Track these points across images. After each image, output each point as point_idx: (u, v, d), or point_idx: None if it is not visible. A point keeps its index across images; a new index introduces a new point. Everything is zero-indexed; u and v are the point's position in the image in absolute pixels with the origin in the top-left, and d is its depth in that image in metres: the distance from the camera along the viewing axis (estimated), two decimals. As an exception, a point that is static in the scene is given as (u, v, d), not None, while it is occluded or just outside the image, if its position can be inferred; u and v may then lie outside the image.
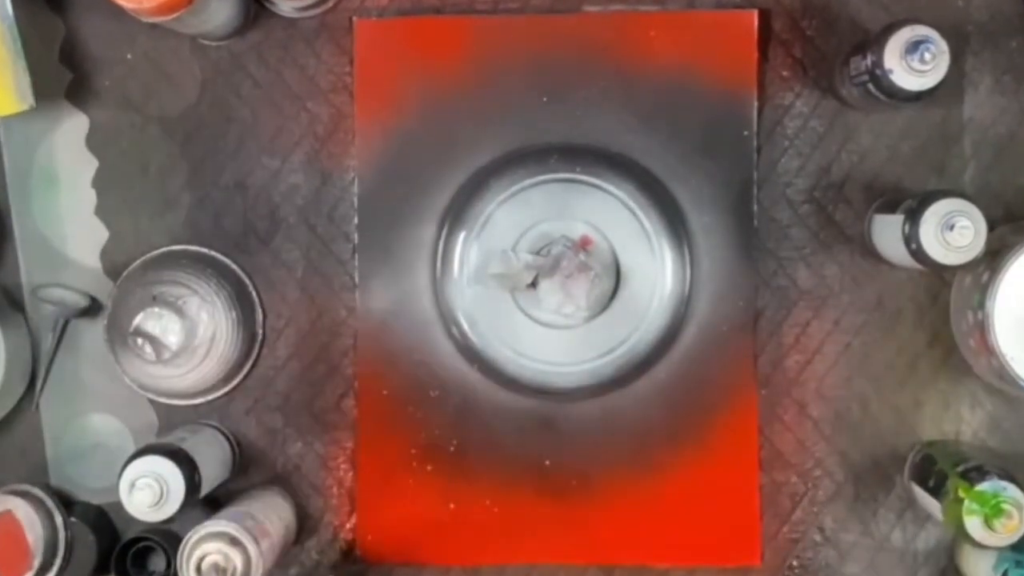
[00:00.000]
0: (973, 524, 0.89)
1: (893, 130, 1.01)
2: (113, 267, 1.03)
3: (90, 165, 1.03)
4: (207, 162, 1.03)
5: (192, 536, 0.91)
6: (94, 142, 1.03)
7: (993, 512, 0.89)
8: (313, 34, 1.03)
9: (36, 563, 0.98)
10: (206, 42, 1.03)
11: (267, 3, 1.02)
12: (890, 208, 0.96)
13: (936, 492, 0.94)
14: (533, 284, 0.98)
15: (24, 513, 0.98)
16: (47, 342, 1.02)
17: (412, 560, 1.03)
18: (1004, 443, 1.01)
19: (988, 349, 0.93)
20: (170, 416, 1.04)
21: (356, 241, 1.03)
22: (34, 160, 1.03)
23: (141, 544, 1.01)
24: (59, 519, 1.00)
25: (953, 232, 0.90)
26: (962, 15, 1.00)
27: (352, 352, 1.03)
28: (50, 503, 1.00)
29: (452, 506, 1.02)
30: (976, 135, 1.01)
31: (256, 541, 0.91)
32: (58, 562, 1.00)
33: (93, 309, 1.02)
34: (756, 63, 1.01)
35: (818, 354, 1.02)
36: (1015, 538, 0.89)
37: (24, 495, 1.00)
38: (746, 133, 1.01)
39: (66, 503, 1.02)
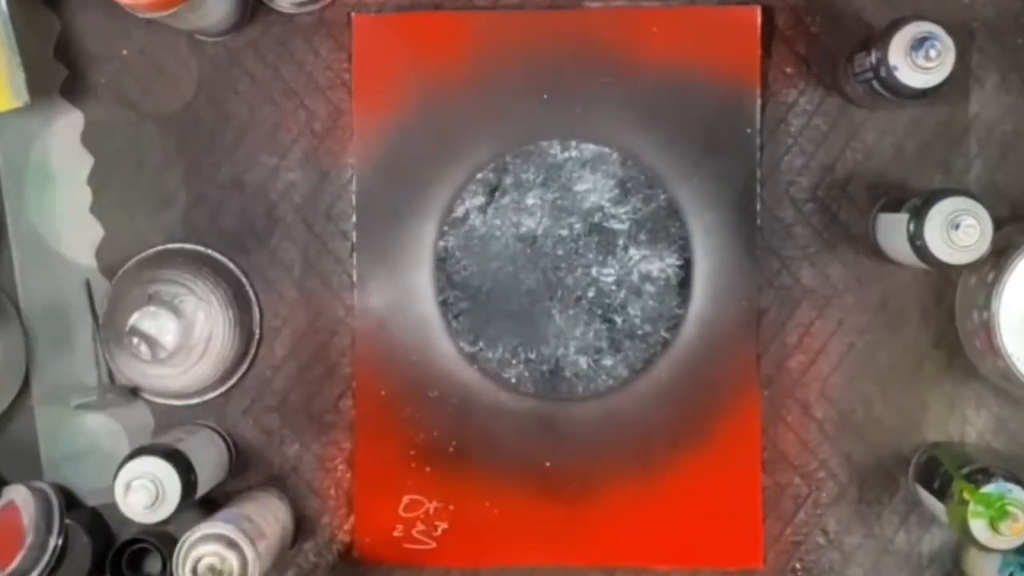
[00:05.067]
0: (978, 527, 0.89)
1: (898, 128, 1.00)
2: (108, 265, 1.03)
3: (85, 162, 1.03)
4: (204, 159, 1.03)
5: (188, 538, 0.90)
6: (89, 139, 1.03)
7: (998, 515, 0.88)
8: (311, 30, 1.02)
9: (28, 542, 0.97)
10: (203, 38, 1.02)
11: (265, -1, 1.01)
12: (895, 207, 0.95)
13: (941, 494, 0.93)
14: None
15: (23, 500, 0.98)
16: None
17: (411, 562, 1.02)
18: (1010, 445, 1.00)
19: (994, 350, 0.92)
20: (166, 416, 1.03)
21: (354, 240, 1.02)
22: (29, 157, 1.03)
23: (136, 546, 1.01)
24: (55, 504, 1.00)
25: (958, 231, 0.89)
26: (968, 12, 1.00)
27: (350, 352, 1.02)
28: (49, 491, 1.01)
29: (451, 508, 1.02)
30: (982, 133, 1.00)
31: (253, 543, 0.90)
32: (51, 546, 0.99)
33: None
34: (759, 60, 1.00)
35: (822, 354, 1.01)
36: (1021, 541, 0.89)
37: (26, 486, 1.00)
38: (749, 131, 1.00)
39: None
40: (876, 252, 0.99)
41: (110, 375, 1.02)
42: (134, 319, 0.94)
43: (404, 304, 1.02)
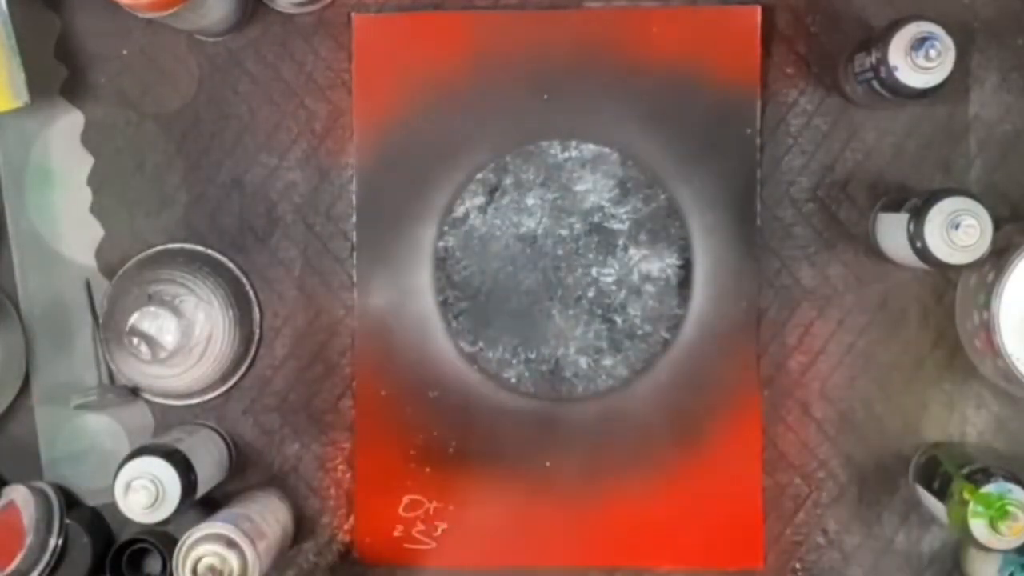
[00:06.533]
0: (978, 527, 0.89)
1: (898, 128, 1.00)
2: (108, 266, 1.03)
3: (85, 162, 1.03)
4: (204, 159, 1.03)
5: (188, 538, 0.90)
6: (89, 139, 1.03)
7: (998, 514, 0.88)
8: (311, 30, 1.02)
9: (28, 542, 0.97)
10: (203, 38, 1.02)
11: (265, -1, 1.01)
12: (895, 207, 0.95)
13: (941, 494, 0.93)
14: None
15: (23, 500, 0.98)
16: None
17: (410, 563, 1.02)
18: (1010, 445, 1.00)
19: (994, 350, 0.92)
20: (166, 416, 1.03)
21: (354, 240, 1.02)
22: (29, 157, 1.03)
23: (136, 546, 1.00)
24: (55, 504, 1.00)
25: (958, 231, 0.89)
26: (968, 12, 1.00)
27: (350, 352, 1.02)
28: (49, 491, 1.01)
29: (451, 508, 1.02)
30: (982, 133, 1.00)
31: (253, 543, 0.90)
32: (51, 546, 0.99)
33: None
34: (759, 60, 1.00)
35: (822, 354, 1.01)
36: (1021, 541, 0.89)
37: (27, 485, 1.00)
38: (749, 131, 1.00)
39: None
40: (876, 252, 0.99)
41: (110, 375, 1.02)
42: (134, 319, 0.94)
43: (404, 304, 1.02)
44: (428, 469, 1.02)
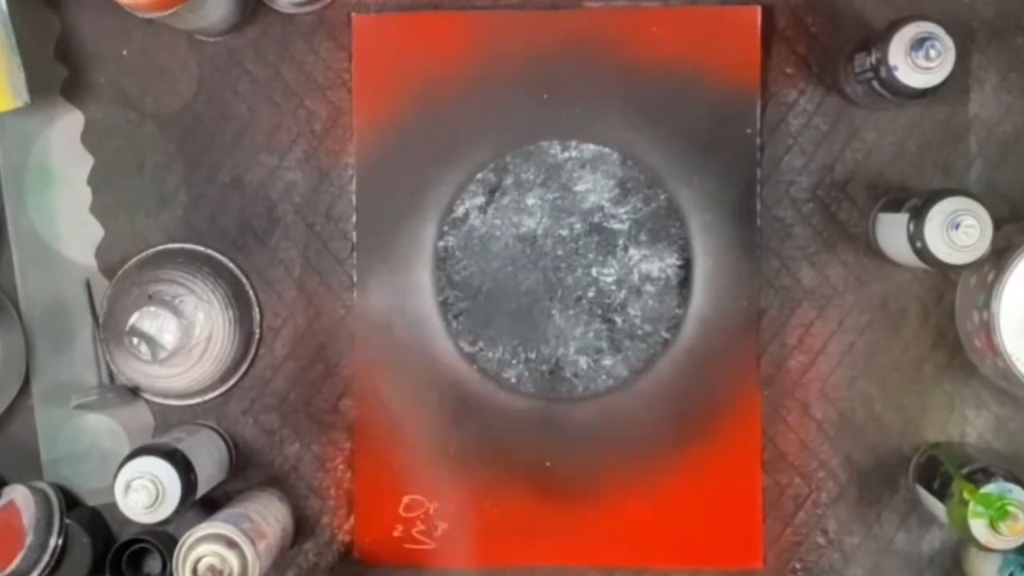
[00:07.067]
0: (978, 527, 0.89)
1: (898, 128, 1.00)
2: (108, 265, 1.03)
3: (85, 162, 1.03)
4: (204, 159, 1.03)
5: (188, 538, 0.90)
6: (89, 139, 1.03)
7: (999, 514, 0.88)
8: (311, 30, 1.02)
9: (28, 542, 0.97)
10: (203, 38, 1.02)
11: (265, -1, 1.01)
12: (895, 207, 0.95)
13: (941, 494, 0.93)
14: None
15: (23, 500, 0.98)
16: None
17: (410, 562, 1.02)
18: (1010, 445, 1.00)
19: (993, 349, 0.92)
20: (166, 416, 1.03)
21: (354, 240, 1.02)
22: (29, 157, 1.03)
23: (136, 546, 1.00)
24: (55, 504, 1.00)
25: (958, 231, 0.89)
26: (968, 12, 1.00)
27: (350, 352, 1.02)
28: (49, 491, 1.01)
29: (451, 508, 1.02)
30: (982, 133, 1.00)
31: (253, 543, 0.90)
32: (51, 546, 0.99)
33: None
34: (759, 60, 1.00)
35: (822, 354, 1.01)
36: (1021, 541, 0.89)
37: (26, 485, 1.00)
38: (749, 131, 1.00)
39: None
40: (876, 252, 0.99)
41: (110, 375, 1.02)
42: (134, 319, 0.94)
43: (404, 304, 1.02)
44: (428, 469, 1.02)
